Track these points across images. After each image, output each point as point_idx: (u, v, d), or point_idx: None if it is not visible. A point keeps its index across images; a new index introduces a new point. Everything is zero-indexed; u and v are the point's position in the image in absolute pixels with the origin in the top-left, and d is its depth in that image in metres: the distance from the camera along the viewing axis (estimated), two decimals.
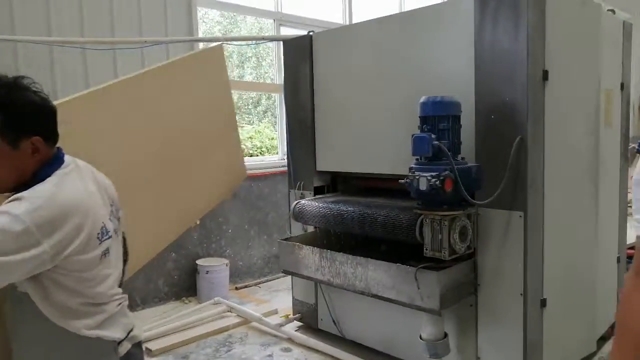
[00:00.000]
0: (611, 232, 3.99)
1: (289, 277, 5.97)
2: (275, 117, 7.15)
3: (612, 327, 3.98)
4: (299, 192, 4.28)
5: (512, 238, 2.98)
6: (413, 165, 2.86)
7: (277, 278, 6.05)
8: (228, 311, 4.81)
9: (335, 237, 4.05)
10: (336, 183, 4.37)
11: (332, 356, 3.90)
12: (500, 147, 2.95)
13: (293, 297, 4.54)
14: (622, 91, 3.95)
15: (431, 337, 3.14)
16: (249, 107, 13.29)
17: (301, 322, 4.47)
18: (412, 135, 2.80)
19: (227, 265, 5.30)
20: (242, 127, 10.33)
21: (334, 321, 4.13)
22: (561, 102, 3.10)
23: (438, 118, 2.78)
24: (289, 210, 4.38)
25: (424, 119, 2.85)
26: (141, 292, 5.04)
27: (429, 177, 2.68)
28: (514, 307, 3.02)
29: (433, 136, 2.73)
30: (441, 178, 2.63)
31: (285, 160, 6.10)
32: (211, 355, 4.04)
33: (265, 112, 14.72)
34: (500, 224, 3.03)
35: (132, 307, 4.93)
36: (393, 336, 3.73)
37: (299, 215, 3.85)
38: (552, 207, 3.08)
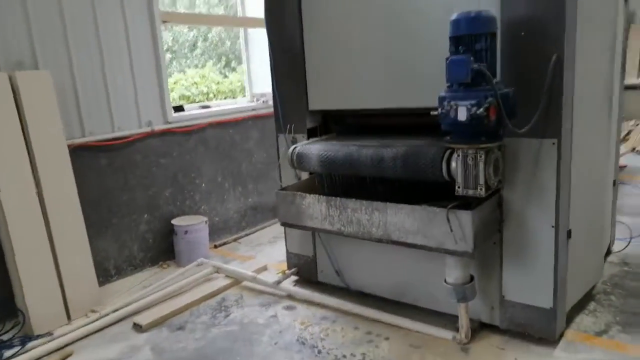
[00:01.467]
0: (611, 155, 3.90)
1: (269, 229, 5.73)
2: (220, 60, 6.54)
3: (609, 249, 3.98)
4: (289, 136, 3.87)
5: (544, 168, 2.77)
6: (445, 94, 2.53)
7: (256, 231, 5.71)
8: (215, 272, 4.45)
9: (332, 183, 3.74)
10: (327, 123, 4.00)
11: (340, 309, 3.66)
12: (532, 68, 2.67)
13: (287, 251, 4.22)
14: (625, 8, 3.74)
15: (458, 280, 2.95)
16: (185, 50, 12.38)
17: (297, 276, 4.19)
18: (447, 59, 2.46)
19: (206, 223, 4.88)
20: (183, 72, 9.61)
21: (336, 272, 3.87)
22: (587, 16, 2.83)
23: (475, 37, 2.45)
24: (278, 157, 4.03)
25: (456, 39, 2.50)
26: (115, 261, 4.55)
27: (469, 106, 2.37)
28: (545, 241, 2.85)
29: (471, 58, 2.40)
30: (486, 106, 2.33)
31: (255, 103, 5.69)
32: (209, 322, 3.70)
33: (202, 54, 13.84)
34: (530, 153, 2.80)
35: (107, 278, 4.46)
36: (405, 283, 3.53)
37: (299, 161, 3.47)
38: (578, 132, 2.88)
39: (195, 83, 9.84)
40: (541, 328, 2.96)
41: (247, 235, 5.61)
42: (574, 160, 2.86)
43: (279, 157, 4.04)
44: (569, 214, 2.91)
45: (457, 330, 3.15)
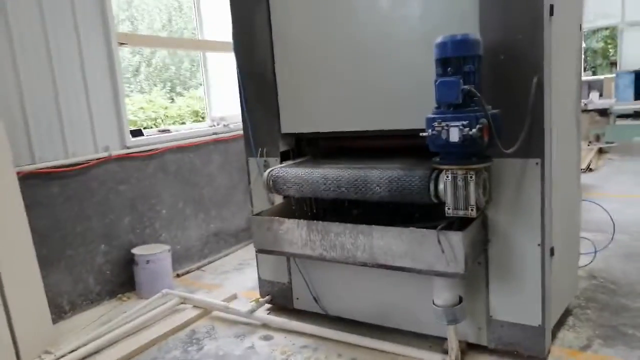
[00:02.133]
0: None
1: (234, 256, 5.52)
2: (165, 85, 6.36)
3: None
4: (262, 159, 3.75)
5: (528, 187, 2.80)
6: (434, 116, 2.51)
7: (220, 258, 5.49)
8: (181, 303, 4.20)
9: (308, 207, 3.65)
10: (301, 146, 3.91)
11: (320, 337, 3.53)
12: (514, 90, 2.72)
13: (260, 278, 4.05)
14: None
15: (448, 302, 2.91)
16: (128, 75, 12.02)
17: (271, 304, 4.03)
18: (436, 81, 2.45)
19: (169, 251, 4.62)
20: (128, 97, 9.28)
21: (314, 298, 3.74)
22: (560, 40, 2.93)
23: (463, 59, 2.45)
24: (249, 182, 3.89)
25: (444, 61, 2.49)
26: (69, 296, 4.20)
27: (461, 127, 2.36)
28: (531, 259, 2.88)
29: (461, 80, 2.40)
30: (479, 126, 2.33)
31: (215, 127, 5.53)
32: (181, 357, 3.46)
33: (146, 79, 13.49)
34: (514, 173, 2.83)
35: (60, 315, 4.11)
36: (387, 306, 3.45)
37: (276, 185, 3.35)
38: (555, 151, 2.95)
39: (142, 108, 9.51)
40: (530, 346, 2.96)
41: (210, 262, 5.37)
42: (553, 178, 2.91)
43: (249, 182, 3.90)
44: (552, 232, 2.95)
45: (444, 352, 3.10)
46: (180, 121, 9.53)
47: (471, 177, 2.53)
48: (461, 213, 2.61)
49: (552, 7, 2.73)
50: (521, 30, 2.66)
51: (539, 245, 2.84)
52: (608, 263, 4.44)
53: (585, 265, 4.16)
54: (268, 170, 3.42)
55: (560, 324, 3.37)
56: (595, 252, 4.19)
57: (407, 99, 3.12)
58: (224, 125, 5.53)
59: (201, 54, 5.56)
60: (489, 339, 3.10)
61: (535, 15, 2.63)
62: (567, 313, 3.50)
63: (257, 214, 3.48)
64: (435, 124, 2.43)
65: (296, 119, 3.63)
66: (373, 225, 2.92)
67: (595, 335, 3.28)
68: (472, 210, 2.56)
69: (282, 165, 3.54)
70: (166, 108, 9.99)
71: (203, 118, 8.99)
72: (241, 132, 5.71)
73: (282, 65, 3.59)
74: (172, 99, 11.12)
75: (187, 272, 5.10)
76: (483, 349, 3.14)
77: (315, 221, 3.13)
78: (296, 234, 3.21)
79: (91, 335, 3.70)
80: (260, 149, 3.76)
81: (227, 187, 5.65)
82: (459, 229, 2.71)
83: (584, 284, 3.99)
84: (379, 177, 2.94)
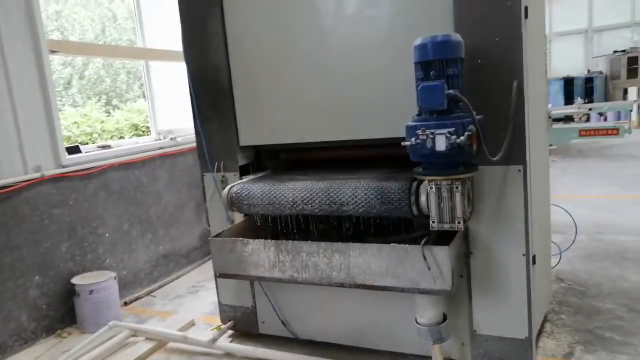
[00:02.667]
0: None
1: (186, 278, 5.13)
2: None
3: None
4: (219, 174, 3.44)
5: (511, 195, 2.68)
6: (415, 123, 2.32)
7: (171, 281, 5.07)
8: (132, 336, 3.78)
9: (273, 226, 3.37)
10: (260, 159, 3.63)
11: None
12: (493, 95, 2.59)
13: (220, 303, 3.72)
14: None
15: (432, 320, 2.73)
16: (59, 89, 11.22)
17: (234, 329, 3.70)
18: (418, 85, 2.26)
19: (115, 279, 4.18)
20: (61, 110, 8.64)
21: (282, 322, 3.46)
22: (532, 43, 2.84)
23: (446, 62, 2.28)
24: (205, 200, 3.56)
25: (425, 65, 2.31)
26: None
27: (447, 135, 2.18)
28: (516, 270, 2.75)
29: (445, 84, 2.22)
30: (468, 134, 2.15)
31: (162, 141, 5.13)
32: None
33: (80, 93, 12.69)
34: (495, 181, 2.69)
35: None
36: (364, 326, 3.23)
37: (237, 203, 3.05)
38: (532, 157, 2.85)
39: (76, 122, 8.86)
40: (518, 359, 2.83)
41: (161, 287, 4.95)
42: (533, 186, 2.81)
43: (205, 200, 3.57)
44: (533, 241, 2.85)
45: None
46: (119, 135, 8.95)
47: (457, 188, 2.36)
48: (447, 227, 2.44)
49: (527, 9, 2.63)
50: (499, 33, 2.54)
51: (523, 255, 2.72)
52: (572, 265, 4.46)
53: (552, 268, 4.14)
54: (228, 187, 3.12)
55: (539, 331, 3.28)
56: (560, 254, 4.18)
57: (377, 107, 2.93)
58: (171, 139, 5.14)
59: (144, 63, 5.14)
60: (473, 355, 2.95)
61: (512, 16, 2.51)
62: (543, 319, 3.43)
63: (217, 235, 3.16)
64: (419, 132, 2.24)
65: (256, 129, 3.35)
66: (350, 243, 2.70)
67: (575, 342, 3.21)
68: (459, 222, 2.39)
69: (243, 180, 3.25)
70: (102, 122, 9.36)
71: (143, 132, 8.48)
72: (189, 145, 5.42)
73: (239, 70, 3.30)
74: (109, 112, 10.46)
75: (136, 299, 4.66)
76: None
77: (284, 240, 2.87)
78: (263, 255, 2.93)
79: None
80: (216, 164, 3.44)
81: (175, 205, 5.25)
82: (438, 242, 2.53)
83: (553, 287, 3.95)
84: (353, 190, 2.72)
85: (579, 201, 6.50)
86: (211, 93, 3.38)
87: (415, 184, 2.56)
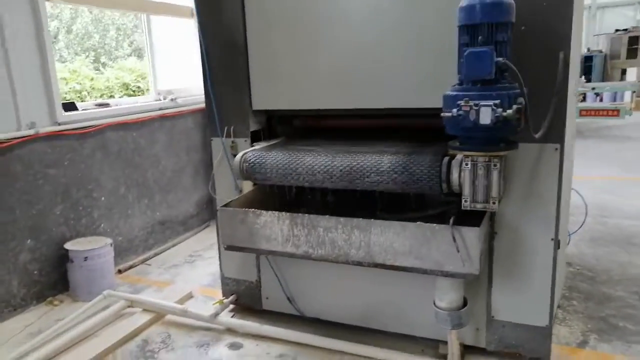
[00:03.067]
0: None
1: (183, 246, 4.96)
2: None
3: None
4: (229, 140, 3.23)
5: (544, 176, 2.52)
6: (456, 93, 2.13)
7: (167, 249, 4.90)
8: (128, 307, 3.62)
9: (281, 197, 3.19)
10: (272, 125, 3.43)
11: (298, 343, 3.12)
12: (537, 66, 2.39)
13: (223, 275, 3.56)
14: None
15: (453, 305, 2.60)
16: None
17: (236, 304, 3.55)
18: (465, 51, 2.06)
19: (111, 246, 3.99)
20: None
21: (288, 298, 3.32)
22: (577, 11, 2.64)
23: (496, 26, 2.08)
24: (212, 166, 3.36)
25: (472, 29, 2.11)
26: None
27: (493, 107, 2.00)
28: (543, 255, 2.62)
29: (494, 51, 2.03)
30: (517, 107, 1.98)
31: (162, 101, 4.89)
32: None
33: (67, 48, 12.19)
34: (528, 160, 2.53)
35: None
36: (374, 306, 3.10)
37: (251, 172, 2.86)
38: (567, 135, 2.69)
39: (65, 79, 8.50)
40: (535, 347, 2.73)
41: (157, 255, 4.77)
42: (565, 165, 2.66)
43: (212, 166, 3.37)
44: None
45: (441, 357, 2.83)
46: (109, 94, 8.61)
47: (495, 165, 2.19)
48: (479, 206, 2.28)
49: None
50: None
51: (552, 239, 2.58)
52: (579, 248, 4.38)
53: None
54: (240, 154, 2.92)
55: None
56: (570, 236, 4.08)
57: (398, 75, 2.74)
58: (171, 100, 4.88)
59: (144, 17, 4.83)
60: (487, 341, 2.84)
61: None
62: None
63: (226, 205, 2.97)
64: (462, 102, 2.05)
65: (271, 93, 3.13)
66: (372, 219, 2.53)
67: (589, 330, 3.13)
68: (493, 202, 2.23)
69: (256, 147, 3.05)
70: (92, 79, 8.99)
71: (134, 92, 8.14)
72: (189, 107, 5.18)
73: (255, 28, 3.06)
74: (99, 69, 10.06)
75: (131, 267, 4.48)
76: (481, 351, 2.87)
77: (300, 214, 2.69)
78: (276, 228, 2.76)
79: (18, 350, 3.07)
80: (226, 128, 3.23)
81: (173, 170, 5.03)
82: (460, 221, 2.37)
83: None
84: (377, 164, 2.55)
85: (580, 182, 6.40)
86: (224, 52, 3.14)
87: (446, 159, 2.39)
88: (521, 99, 2.02)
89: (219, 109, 3.23)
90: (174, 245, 4.98)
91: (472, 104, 2.03)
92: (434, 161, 2.41)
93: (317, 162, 2.67)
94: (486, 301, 2.79)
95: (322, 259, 2.70)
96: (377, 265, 2.58)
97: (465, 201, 2.30)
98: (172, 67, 5.03)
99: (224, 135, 3.24)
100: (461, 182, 2.30)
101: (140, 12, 4.79)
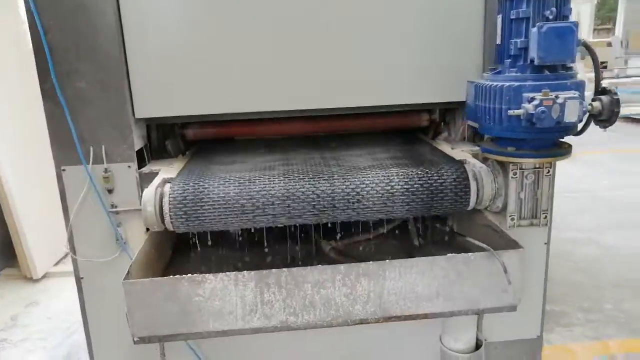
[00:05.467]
0: None
1: None
2: None
3: None
4: (100, 167, 2.03)
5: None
6: (519, 83, 1.61)
7: None
8: None
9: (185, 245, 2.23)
10: (150, 139, 2.34)
11: None
12: None
13: None
14: None
15: (471, 344, 2.13)
16: None
17: None
18: (540, 27, 1.54)
19: None
20: None
21: None
22: None
23: None
24: (68, 215, 2.13)
25: None
26: None
27: (581, 100, 1.56)
28: (536, 262, 2.33)
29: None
30: (613, 98, 1.58)
31: None
32: None
33: None
34: None
35: None
36: None
37: (184, 214, 1.81)
38: None
39: None
40: None
41: None
42: None
43: (68, 215, 2.10)
44: None
45: None
46: None
47: (548, 172, 1.77)
48: (525, 223, 1.84)
49: None
50: None
51: (545, 243, 2.32)
52: None
53: None
54: (155, 187, 1.82)
55: None
56: None
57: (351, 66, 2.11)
58: None
59: None
60: None
61: None
62: None
63: (128, 275, 1.83)
64: (539, 96, 1.54)
65: (164, 94, 2.07)
66: (387, 261, 1.84)
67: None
68: (545, 216, 1.82)
69: (164, 174, 1.97)
70: None
71: None
72: None
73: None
74: None
75: None
76: None
77: (273, 270, 1.81)
78: (233, 297, 1.82)
79: None
80: (93, 149, 2.03)
81: None
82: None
83: None
84: (383, 181, 1.86)
85: None
86: (79, 31, 1.93)
87: (475, 167, 1.87)
88: (611, 90, 1.63)
89: (77, 120, 2.00)
90: None
91: (552, 95, 1.55)
92: (459, 172, 1.86)
93: (293, 188, 1.82)
94: (477, 326, 2.40)
95: (309, 326, 1.89)
96: (389, 319, 1.91)
97: (512, 219, 1.82)
98: None
99: (90, 162, 2.02)
100: (495, 195, 1.81)
101: None
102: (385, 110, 2.28)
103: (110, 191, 2.06)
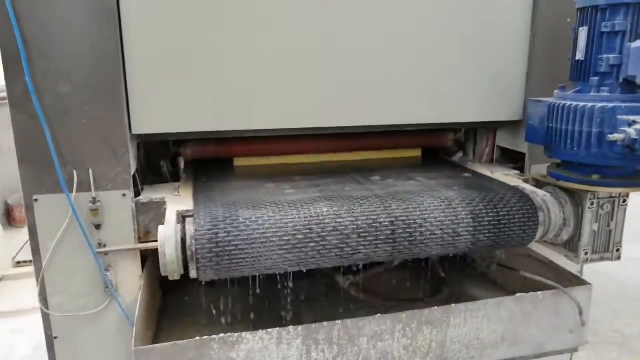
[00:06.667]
0: None
1: None
2: None
3: None
4: (85, 195, 1.59)
5: None
6: (613, 104, 1.43)
7: None
8: None
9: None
10: (139, 161, 1.92)
11: None
12: None
13: None
14: None
15: None
16: None
17: None
18: (629, 45, 1.36)
19: None
20: None
21: None
22: None
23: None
24: (40, 260, 1.67)
25: (612, 10, 1.43)
26: None
27: None
28: None
29: None
30: None
31: None
32: None
33: None
34: None
35: None
36: None
37: (218, 257, 1.42)
38: None
39: None
40: None
41: None
42: None
43: (40, 256, 1.62)
44: None
45: None
46: None
47: (623, 202, 1.61)
48: (596, 257, 1.67)
49: None
50: None
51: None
52: None
53: None
54: (173, 223, 1.43)
55: None
56: None
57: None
58: None
59: None
60: None
61: None
62: None
63: (138, 339, 1.42)
64: (637, 118, 1.37)
65: (170, 105, 1.68)
66: (451, 305, 1.58)
67: None
68: (617, 250, 1.66)
69: (189, 206, 1.56)
70: None
71: None
72: None
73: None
74: None
75: None
76: None
77: (323, 323, 1.48)
78: (274, 357, 1.47)
79: None
80: (76, 173, 1.58)
81: None
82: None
83: None
84: (446, 211, 1.60)
85: None
86: (64, 17, 1.49)
87: (543, 197, 1.67)
88: None
89: (57, 135, 1.54)
90: None
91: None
92: (525, 201, 1.65)
93: (341, 216, 1.50)
94: None
95: None
96: None
97: (586, 252, 1.64)
98: None
99: (73, 189, 1.57)
100: (566, 226, 1.63)
101: None
102: (412, 128, 2.04)
103: (97, 226, 1.62)
